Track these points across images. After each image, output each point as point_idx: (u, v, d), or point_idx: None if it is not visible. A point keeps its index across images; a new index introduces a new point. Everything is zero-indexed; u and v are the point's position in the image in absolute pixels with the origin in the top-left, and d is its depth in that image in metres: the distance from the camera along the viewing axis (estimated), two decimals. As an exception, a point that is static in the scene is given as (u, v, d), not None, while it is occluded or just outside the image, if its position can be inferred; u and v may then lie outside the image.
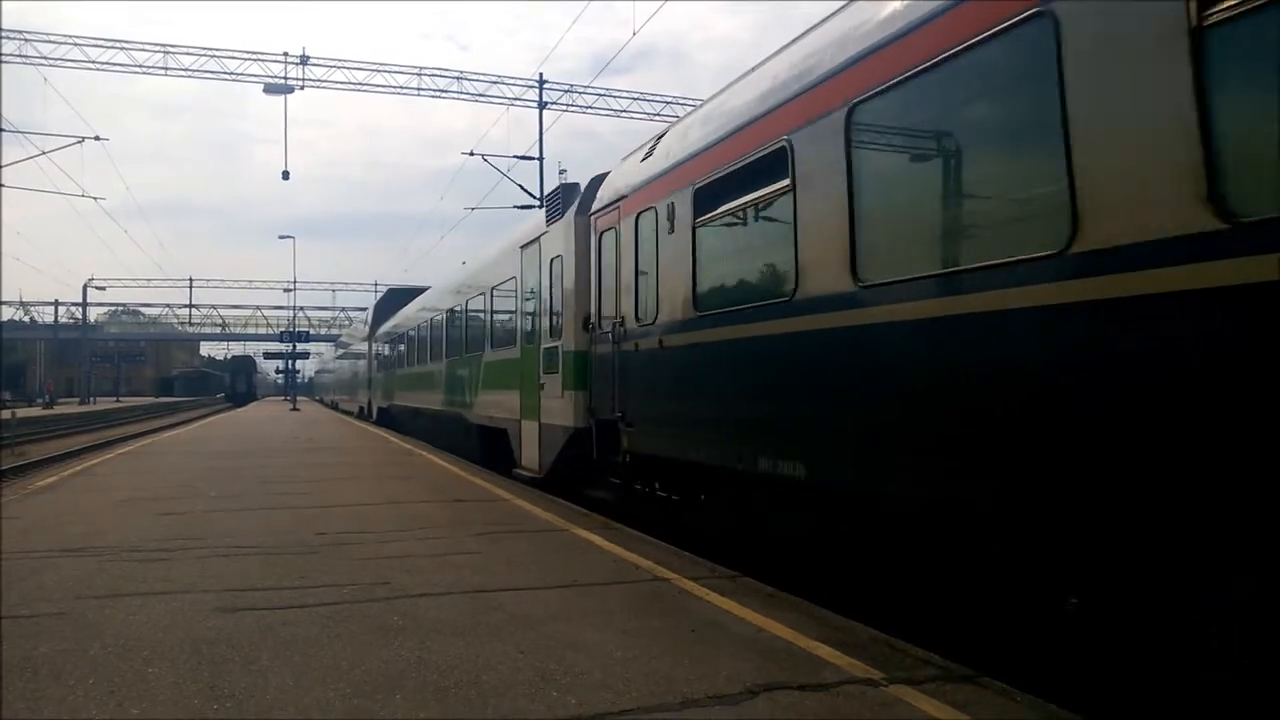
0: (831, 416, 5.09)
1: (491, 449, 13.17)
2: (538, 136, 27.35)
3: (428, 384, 19.11)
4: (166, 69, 28.93)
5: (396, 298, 29.24)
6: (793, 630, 4.22)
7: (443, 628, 4.28)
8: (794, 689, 3.42)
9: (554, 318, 10.07)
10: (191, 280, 71.75)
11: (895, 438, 4.53)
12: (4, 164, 33.75)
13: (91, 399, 61.12)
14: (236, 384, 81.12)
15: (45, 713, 3.23)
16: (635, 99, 31.90)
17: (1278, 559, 2.72)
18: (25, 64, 27.47)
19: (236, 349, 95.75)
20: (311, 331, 63.26)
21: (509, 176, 25.72)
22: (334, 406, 51.36)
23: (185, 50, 29.31)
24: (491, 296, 13.64)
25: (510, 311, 12.41)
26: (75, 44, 28.39)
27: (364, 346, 34.13)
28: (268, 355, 63.89)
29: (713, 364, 6.53)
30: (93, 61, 28.37)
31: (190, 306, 71.79)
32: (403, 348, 23.94)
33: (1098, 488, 3.31)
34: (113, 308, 75.57)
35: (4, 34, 26.88)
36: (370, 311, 34.53)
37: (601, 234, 8.77)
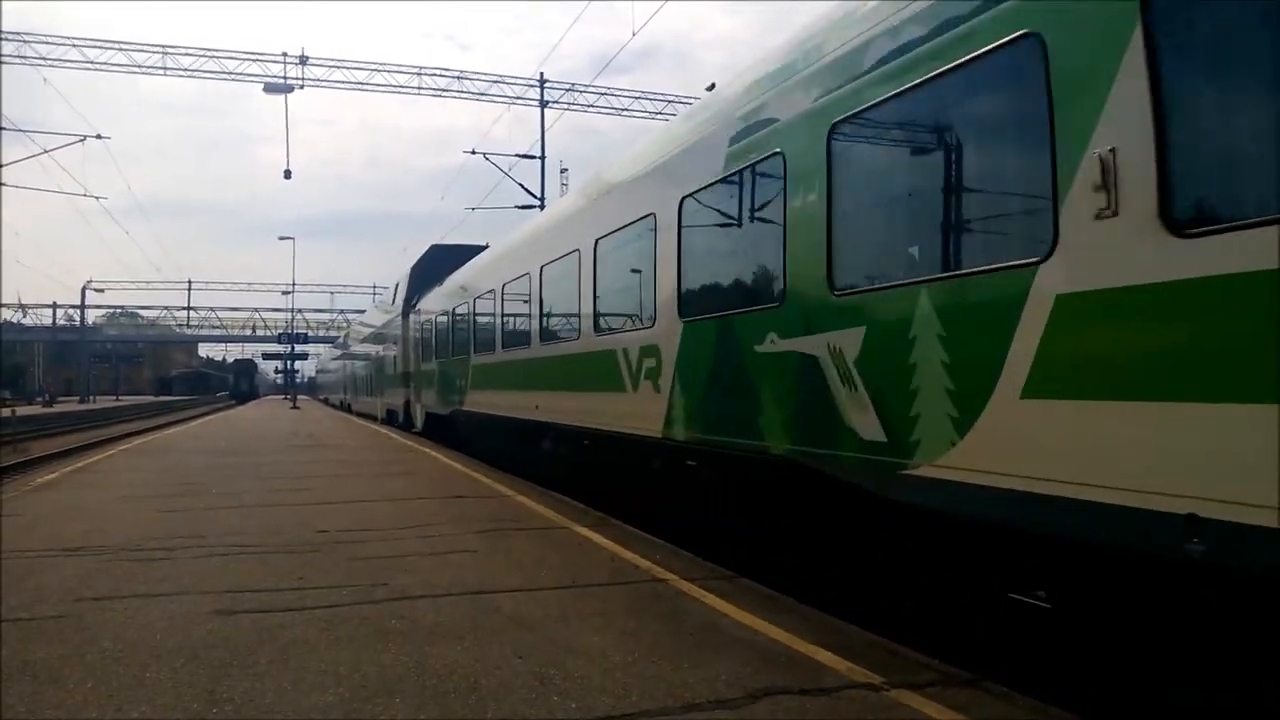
0: None
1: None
2: (539, 135, 27.36)
3: (580, 376, 9.13)
4: (165, 69, 28.94)
5: (449, 257, 20.15)
6: (791, 633, 4.21)
7: (442, 630, 4.27)
8: (795, 693, 3.41)
9: None
10: (190, 283, 71.83)
11: None
12: (4, 163, 33.75)
13: (91, 398, 61.19)
14: (240, 384, 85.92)
15: (44, 716, 3.22)
16: (637, 98, 31.96)
17: None
18: (24, 65, 27.52)
19: (235, 350, 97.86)
20: (310, 333, 63.26)
21: (510, 175, 25.71)
22: (344, 408, 42.74)
23: (184, 51, 29.34)
24: None
25: None
26: (74, 45, 28.42)
27: (395, 327, 24.26)
28: (266, 355, 64.27)
29: None
30: (91, 62, 28.38)
31: (188, 309, 71.79)
32: (489, 319, 13.63)
33: None
34: (111, 310, 75.60)
35: (4, 35, 26.89)
36: (404, 279, 23.70)
37: None
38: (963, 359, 3.90)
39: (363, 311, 47.42)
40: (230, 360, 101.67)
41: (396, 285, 25.48)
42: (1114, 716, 3.71)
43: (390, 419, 25.27)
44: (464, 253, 18.44)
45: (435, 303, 18.77)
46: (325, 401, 59.94)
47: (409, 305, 22.18)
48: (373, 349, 31.18)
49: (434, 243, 23.67)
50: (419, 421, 20.64)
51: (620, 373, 7.84)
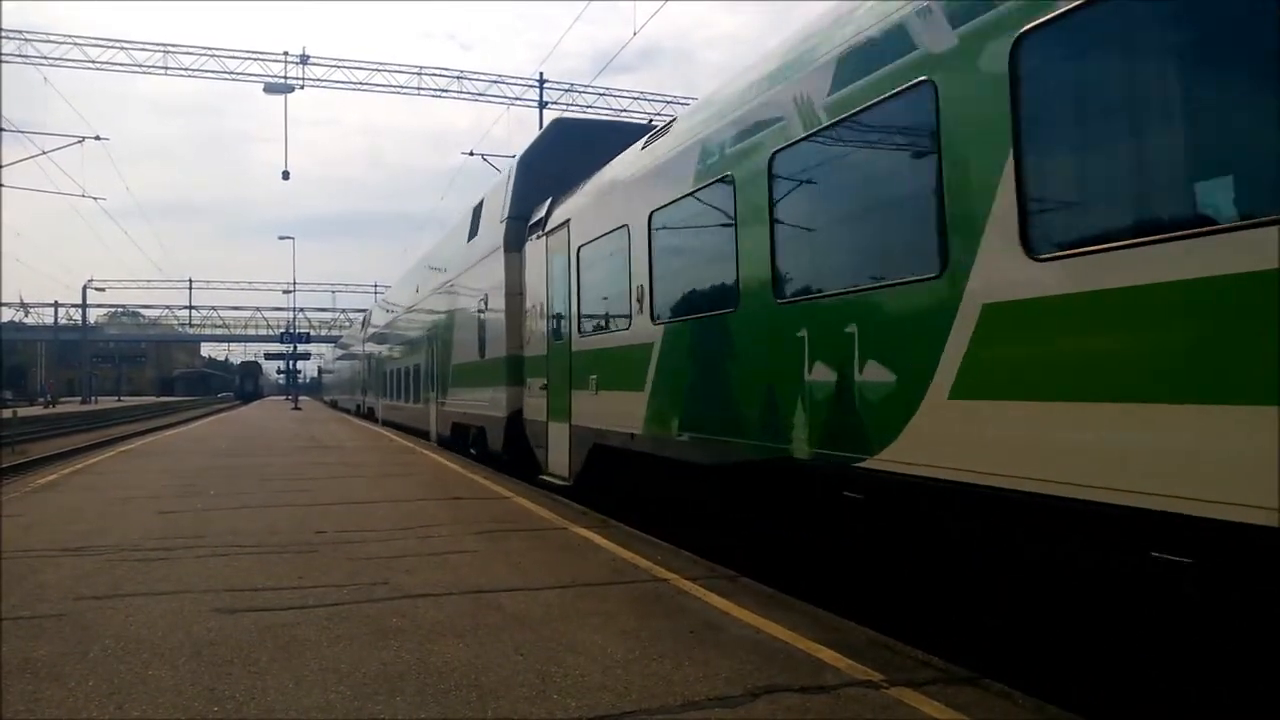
0: None
1: None
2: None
3: None
4: (167, 68, 28.96)
5: (597, 136, 11.67)
6: (792, 632, 4.21)
7: (442, 629, 4.27)
8: (795, 691, 3.41)
9: None
10: (191, 282, 72.28)
11: None
12: (4, 164, 33.80)
13: (93, 398, 61.25)
14: (245, 384, 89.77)
15: (45, 714, 3.23)
16: (636, 98, 31.93)
17: None
18: (26, 64, 27.55)
19: (237, 349, 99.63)
20: (312, 333, 63.40)
21: (509, 175, 25.58)
22: (365, 414, 33.20)
23: (185, 50, 29.37)
24: None
25: None
26: (75, 43, 28.46)
27: (483, 275, 13.29)
28: (269, 355, 64.59)
29: None
30: (93, 61, 28.41)
31: (190, 308, 72.08)
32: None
33: None
34: (113, 309, 75.91)
35: (4, 34, 26.92)
36: (508, 182, 12.49)
37: None
38: None
39: (364, 311, 46.66)
40: (232, 359, 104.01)
41: (480, 203, 14.18)
42: (1114, 716, 3.71)
43: (459, 441, 14.69)
44: (625, 131, 11.67)
45: (677, 171, 7.07)
46: (334, 405, 53.98)
47: (524, 227, 11.66)
48: (422, 324, 19.32)
49: (561, 117, 15.46)
50: (558, 459, 10.00)
51: None
